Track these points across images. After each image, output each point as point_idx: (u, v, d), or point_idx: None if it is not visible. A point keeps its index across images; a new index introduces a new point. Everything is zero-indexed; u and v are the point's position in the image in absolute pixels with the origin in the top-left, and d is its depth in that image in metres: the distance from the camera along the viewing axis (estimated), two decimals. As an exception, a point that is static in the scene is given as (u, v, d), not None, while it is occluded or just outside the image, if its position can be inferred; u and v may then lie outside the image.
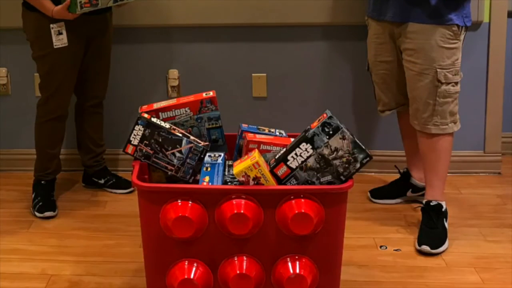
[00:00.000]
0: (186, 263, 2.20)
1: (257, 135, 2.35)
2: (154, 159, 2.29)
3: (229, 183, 2.22)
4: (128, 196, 3.31)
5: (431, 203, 2.84)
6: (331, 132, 2.14)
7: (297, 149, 2.16)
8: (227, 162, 2.36)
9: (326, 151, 2.15)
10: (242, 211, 2.09)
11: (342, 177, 2.18)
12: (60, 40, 2.92)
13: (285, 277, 2.15)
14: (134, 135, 2.28)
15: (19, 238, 2.92)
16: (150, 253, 2.24)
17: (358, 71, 3.40)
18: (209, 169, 2.26)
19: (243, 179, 2.13)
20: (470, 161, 3.50)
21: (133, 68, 3.51)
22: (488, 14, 3.35)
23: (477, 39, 3.35)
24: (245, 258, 2.19)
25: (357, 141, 2.17)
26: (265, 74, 3.49)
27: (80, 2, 2.79)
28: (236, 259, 2.19)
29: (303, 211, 2.08)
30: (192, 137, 2.32)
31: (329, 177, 2.18)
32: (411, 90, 2.84)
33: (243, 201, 2.12)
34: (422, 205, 2.89)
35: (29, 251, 2.82)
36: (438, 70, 2.73)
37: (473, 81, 3.35)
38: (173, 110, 2.38)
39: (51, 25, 2.90)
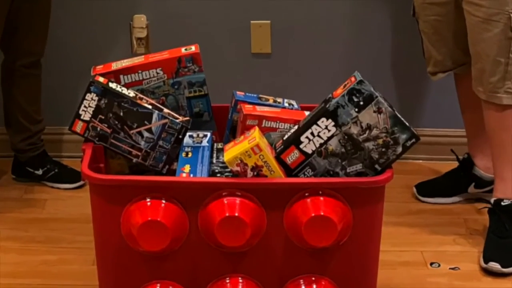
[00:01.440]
0: (158, 287, 2.20)
1: (258, 107, 2.36)
2: (113, 141, 2.30)
3: (219, 175, 2.22)
4: (76, 193, 3.32)
5: (503, 203, 2.86)
6: (361, 103, 2.15)
7: (314, 127, 2.17)
8: (215, 145, 2.37)
9: (354, 130, 2.16)
10: (236, 214, 2.10)
11: (377, 165, 2.19)
12: (-21, -27, 2.92)
13: (297, 306, 2.18)
14: (85, 107, 2.28)
15: None
16: (107, 273, 2.24)
17: (400, 17, 3.40)
18: (190, 154, 2.27)
19: (238, 168, 2.13)
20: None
21: (84, 14, 3.50)
22: None
23: None
24: (240, 280, 2.20)
25: (398, 115, 2.17)
26: (268, 22, 3.49)
27: None
28: (228, 281, 2.20)
29: (322, 213, 2.09)
30: (166, 110, 2.32)
31: (359, 166, 2.19)
32: (474, 43, 2.84)
33: (237, 200, 2.13)
34: (489, 206, 2.90)
35: None
36: (512, 15, 2.74)
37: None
38: (140, 72, 2.39)
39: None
